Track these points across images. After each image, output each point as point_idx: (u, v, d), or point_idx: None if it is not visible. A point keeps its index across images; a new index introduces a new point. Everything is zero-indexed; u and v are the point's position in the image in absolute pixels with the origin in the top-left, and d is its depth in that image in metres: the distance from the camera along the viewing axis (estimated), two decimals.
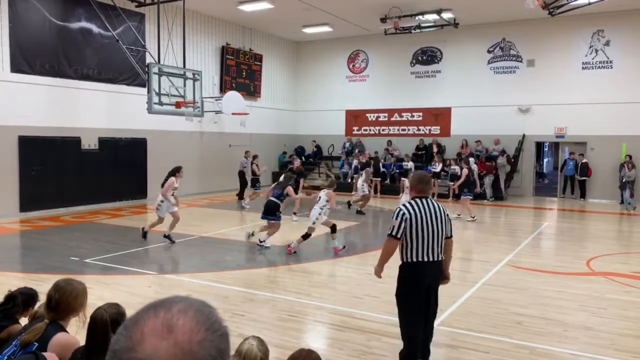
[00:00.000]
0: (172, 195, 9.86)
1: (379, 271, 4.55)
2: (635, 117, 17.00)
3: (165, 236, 9.84)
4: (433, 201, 4.38)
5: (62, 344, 2.73)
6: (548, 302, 6.51)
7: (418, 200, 4.31)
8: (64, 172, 13.81)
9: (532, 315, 6.01)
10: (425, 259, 4.23)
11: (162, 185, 9.98)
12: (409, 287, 4.31)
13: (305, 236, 9.20)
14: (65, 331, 2.87)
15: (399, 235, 4.24)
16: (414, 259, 4.24)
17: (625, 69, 17.22)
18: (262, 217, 9.78)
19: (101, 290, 6.69)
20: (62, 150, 13.77)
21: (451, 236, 4.42)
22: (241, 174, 16.56)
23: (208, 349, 0.80)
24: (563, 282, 7.60)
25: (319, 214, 9.31)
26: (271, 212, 9.63)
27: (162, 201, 9.83)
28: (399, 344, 5.12)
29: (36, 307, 3.42)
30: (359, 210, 14.54)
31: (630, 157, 16.68)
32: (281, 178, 11.40)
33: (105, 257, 8.74)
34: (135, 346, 0.78)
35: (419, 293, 4.29)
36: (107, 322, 2.62)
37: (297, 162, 15.91)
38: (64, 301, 2.86)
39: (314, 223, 9.29)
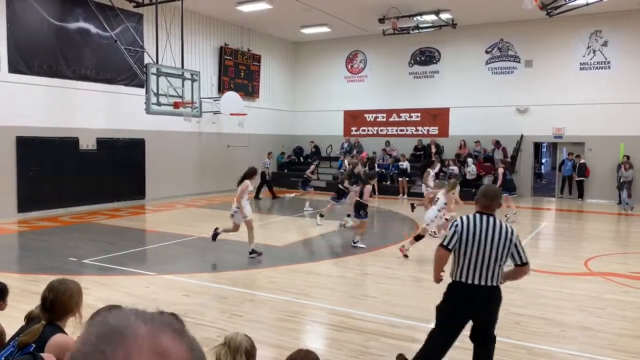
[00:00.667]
0: (247, 199, 8.94)
1: (436, 277, 4.27)
2: (633, 117, 17.03)
3: (250, 253, 8.78)
4: (498, 220, 3.94)
5: (60, 345, 2.72)
6: (546, 302, 6.51)
7: (478, 216, 3.94)
8: (62, 173, 13.80)
9: (531, 315, 6.02)
10: (475, 282, 3.87)
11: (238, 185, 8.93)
12: (448, 307, 4.04)
13: (418, 237, 9.02)
14: (64, 332, 2.86)
15: (449, 247, 3.96)
16: (460, 279, 3.93)
17: (623, 69, 17.25)
18: (354, 217, 10.01)
19: (99, 291, 6.68)
20: (60, 151, 13.75)
21: (524, 263, 3.92)
22: (263, 175, 17.37)
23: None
24: (561, 282, 7.60)
25: (435, 216, 9.12)
26: (355, 211, 9.86)
27: (238, 207, 8.79)
28: (397, 344, 5.13)
29: (33, 307, 3.41)
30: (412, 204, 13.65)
31: (628, 157, 16.71)
32: (347, 171, 12.37)
33: (103, 257, 8.73)
34: None
35: (457, 317, 4.01)
36: None
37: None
38: (59, 301, 2.85)
39: (428, 225, 9.15)
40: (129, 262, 8.41)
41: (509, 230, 3.89)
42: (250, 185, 8.89)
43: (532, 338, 5.31)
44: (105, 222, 12.56)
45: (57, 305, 2.85)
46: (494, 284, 3.90)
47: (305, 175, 16.20)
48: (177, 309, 3.91)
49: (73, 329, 2.98)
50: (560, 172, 18.96)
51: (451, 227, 4.02)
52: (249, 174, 8.98)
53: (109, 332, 0.68)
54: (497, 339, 5.25)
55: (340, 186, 12.51)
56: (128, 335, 0.67)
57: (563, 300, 6.70)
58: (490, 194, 4.05)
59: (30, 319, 3.08)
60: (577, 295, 6.88)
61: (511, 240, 3.86)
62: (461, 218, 3.97)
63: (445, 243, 4.00)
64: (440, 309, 4.10)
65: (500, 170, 13.41)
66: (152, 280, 7.41)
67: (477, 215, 3.95)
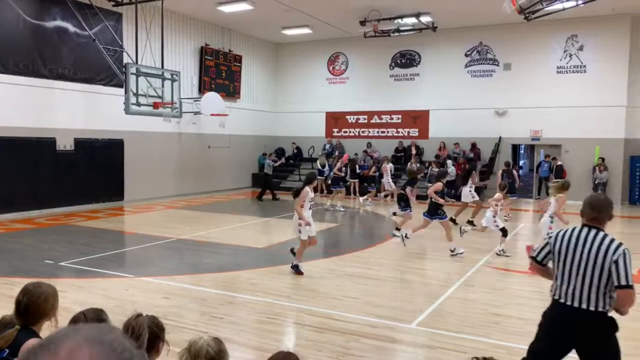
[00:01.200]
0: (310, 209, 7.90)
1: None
2: (607, 120, 17.40)
3: (292, 267, 7.86)
4: (603, 235, 3.41)
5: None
6: (524, 302, 6.60)
7: (578, 229, 3.51)
8: (38, 174, 13.54)
9: (509, 315, 6.09)
10: (566, 302, 3.45)
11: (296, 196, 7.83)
12: (543, 323, 3.66)
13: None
14: (38, 337, 2.80)
15: (538, 258, 3.69)
16: (554, 296, 3.57)
17: (598, 73, 17.61)
18: (429, 218, 9.63)
19: (76, 294, 6.57)
20: (36, 151, 13.50)
21: (622, 286, 3.26)
22: (267, 176, 17.85)
23: None
24: (538, 282, 7.70)
25: (551, 222, 8.82)
26: (433, 212, 9.53)
27: (300, 220, 7.72)
28: (378, 345, 5.15)
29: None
30: (470, 220, 12.57)
31: (603, 159, 17.04)
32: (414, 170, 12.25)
33: (80, 260, 8.59)
34: None
35: (550, 337, 3.57)
36: None
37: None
38: (34, 305, 2.79)
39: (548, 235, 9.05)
40: (107, 265, 8.28)
41: (613, 246, 3.30)
42: (310, 192, 7.76)
43: (511, 338, 5.37)
44: (83, 224, 12.36)
45: (31, 309, 2.79)
46: (596, 308, 3.35)
47: (334, 174, 16.36)
48: (156, 311, 3.87)
49: (48, 333, 2.92)
50: (537, 173, 19.26)
51: (547, 238, 3.77)
52: (310, 180, 7.90)
53: (38, 344, 0.69)
54: (477, 339, 5.32)
55: (402, 192, 11.69)
56: (48, 349, 0.67)
57: (540, 300, 6.78)
58: (598, 205, 3.55)
59: (4, 324, 3.01)
60: None
61: (611, 257, 3.27)
62: (561, 230, 3.63)
63: (534, 254, 3.77)
64: (539, 324, 3.71)
65: (514, 172, 13.48)
66: (130, 283, 7.32)
67: (578, 228, 3.51)
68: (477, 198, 13.12)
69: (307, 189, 7.71)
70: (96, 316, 2.66)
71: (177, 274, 7.94)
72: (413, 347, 5.22)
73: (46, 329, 2.91)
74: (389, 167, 16.85)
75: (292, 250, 8.11)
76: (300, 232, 7.76)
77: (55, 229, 11.71)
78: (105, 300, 6.26)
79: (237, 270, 8.25)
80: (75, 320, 2.62)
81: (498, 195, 9.96)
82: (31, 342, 2.70)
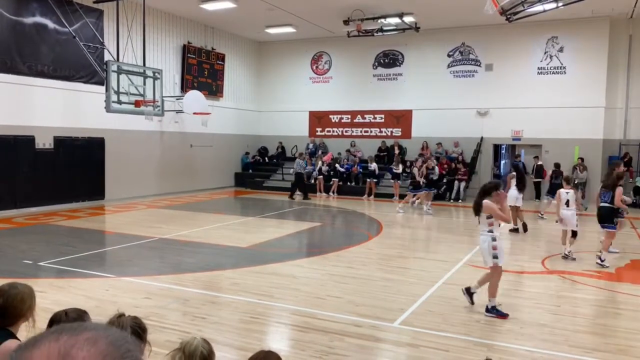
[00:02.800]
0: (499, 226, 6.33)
1: None
2: (586, 121, 17.70)
3: (490, 310, 6.04)
4: None
5: (10, 352, 2.61)
6: (505, 300, 6.67)
7: None
8: (16, 173, 13.31)
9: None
10: None
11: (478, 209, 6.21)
12: None
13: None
14: (16, 338, 2.75)
15: None
16: None
17: (578, 74, 17.89)
18: (602, 227, 9.02)
19: (55, 294, 6.47)
20: (14, 150, 13.26)
21: None
22: (299, 176, 18.17)
23: None
24: (519, 280, 7.82)
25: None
26: (607, 219, 8.86)
27: (493, 240, 6.10)
28: (362, 344, 5.16)
29: None
30: (525, 224, 12.14)
31: (582, 159, 17.32)
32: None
33: (60, 260, 8.46)
34: None
35: None
36: None
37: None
38: (10, 306, 2.73)
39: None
40: (87, 265, 8.17)
41: None
42: (495, 205, 6.10)
43: (492, 335, 5.43)
44: (63, 223, 12.17)
45: (8, 310, 2.74)
46: None
47: (413, 180, 15.30)
48: (138, 311, 3.83)
49: (27, 334, 2.87)
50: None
51: None
52: (488, 190, 6.22)
53: (30, 340, 0.71)
54: (458, 337, 5.37)
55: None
56: (40, 344, 0.69)
57: (521, 298, 6.89)
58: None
59: None
60: (534, 293, 7.08)
61: None
62: None
63: None
64: None
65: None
66: (111, 283, 7.23)
67: None
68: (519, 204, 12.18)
69: (487, 202, 6.11)
70: (78, 316, 2.62)
71: (159, 273, 7.87)
72: (396, 345, 5.25)
73: (23, 330, 2.86)
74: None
75: (468, 291, 6.36)
76: (496, 257, 6.10)
77: (34, 228, 11.51)
78: (85, 301, 6.17)
79: (219, 269, 8.20)
80: (56, 318, 2.58)
81: (572, 192, 9.21)
82: (9, 343, 2.65)
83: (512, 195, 11.91)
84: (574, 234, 9.26)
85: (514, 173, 12.87)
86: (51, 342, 0.69)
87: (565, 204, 9.13)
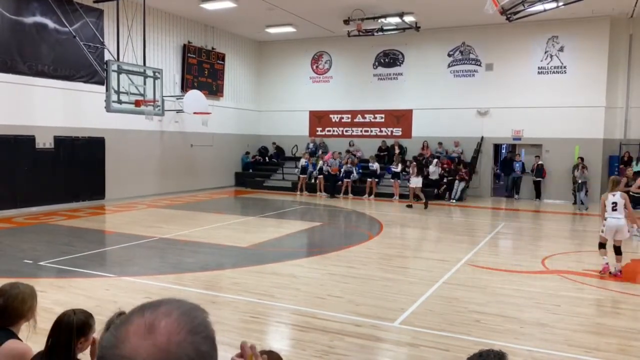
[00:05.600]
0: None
1: None
2: (586, 120, 17.70)
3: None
4: None
5: (12, 352, 2.62)
6: (505, 300, 6.68)
7: None
8: (16, 172, 13.31)
9: (490, 313, 6.16)
10: None
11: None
12: None
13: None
14: (17, 337, 2.75)
15: None
16: None
17: (578, 74, 17.88)
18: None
19: (56, 294, 6.48)
20: (14, 149, 13.26)
21: None
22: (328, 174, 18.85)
23: (186, 349, 0.84)
24: (519, 280, 7.82)
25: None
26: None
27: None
28: (362, 344, 5.17)
29: None
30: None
31: (582, 159, 17.33)
32: None
33: (60, 259, 8.46)
34: (119, 344, 0.84)
35: None
36: (73, 326, 2.53)
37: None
38: (11, 306, 2.73)
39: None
40: (87, 264, 8.18)
41: None
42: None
43: (491, 335, 5.44)
44: (63, 223, 12.18)
45: (9, 310, 2.74)
46: None
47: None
48: None
49: (27, 334, 2.87)
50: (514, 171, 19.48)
51: None
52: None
53: (122, 318, 0.89)
54: (458, 336, 5.37)
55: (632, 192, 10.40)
56: (130, 321, 0.87)
57: (521, 297, 6.89)
58: None
59: None
60: (534, 293, 7.08)
61: None
62: None
63: None
64: None
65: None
66: (112, 283, 7.23)
67: None
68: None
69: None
70: (85, 317, 2.63)
71: (159, 273, 7.88)
72: (396, 345, 5.25)
73: (25, 330, 2.87)
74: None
75: None
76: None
77: (34, 228, 11.52)
78: (86, 300, 6.18)
79: (219, 269, 8.21)
80: (61, 319, 2.58)
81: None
82: (10, 343, 2.65)
83: (414, 180, 16.03)
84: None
85: (415, 163, 16.63)
86: (138, 318, 0.87)
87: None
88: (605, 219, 7.98)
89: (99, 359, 0.86)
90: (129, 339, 0.84)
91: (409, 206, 16.06)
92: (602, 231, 8.07)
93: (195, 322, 0.88)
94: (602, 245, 8.14)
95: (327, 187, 18.99)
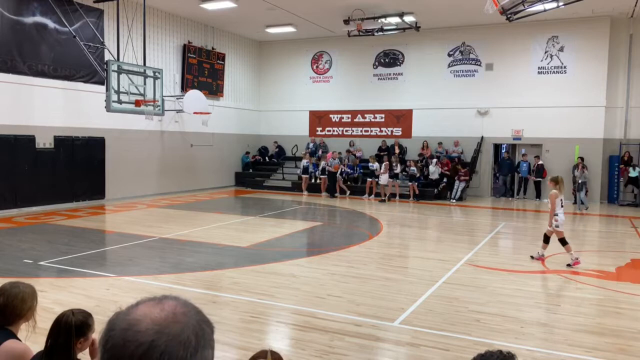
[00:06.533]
0: None
1: None
2: (587, 120, 17.70)
3: None
4: None
5: (11, 352, 2.61)
6: (505, 300, 6.68)
7: None
8: (16, 172, 13.31)
9: (490, 312, 6.16)
10: None
11: None
12: None
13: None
14: (16, 337, 2.75)
15: None
16: None
17: (578, 73, 17.88)
18: None
19: (56, 294, 6.48)
20: (15, 149, 13.26)
21: None
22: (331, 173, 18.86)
23: (191, 320, 0.95)
24: (519, 280, 7.81)
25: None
26: None
27: None
28: (362, 343, 5.16)
29: None
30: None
31: (582, 159, 17.33)
32: None
33: (60, 259, 8.46)
34: (130, 311, 0.95)
35: None
36: (72, 326, 2.53)
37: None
38: (10, 305, 2.72)
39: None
40: (87, 264, 8.18)
41: None
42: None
43: (492, 335, 5.43)
44: (63, 222, 12.18)
45: (8, 309, 2.73)
46: None
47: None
48: None
49: (27, 334, 2.87)
50: (517, 173, 19.47)
51: None
52: None
53: (129, 305, 0.98)
54: (458, 336, 5.37)
55: None
56: (138, 304, 0.97)
57: (521, 297, 6.89)
58: None
59: None
60: (534, 293, 7.08)
61: None
62: None
63: None
64: None
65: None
66: (112, 283, 7.23)
67: None
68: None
69: None
70: (84, 317, 2.62)
71: (159, 273, 7.88)
72: (396, 345, 5.25)
73: (24, 330, 2.86)
74: None
75: None
76: None
77: (34, 227, 11.52)
78: (86, 300, 6.18)
79: (219, 269, 8.20)
80: (60, 318, 2.58)
81: None
82: (9, 343, 2.65)
83: (383, 177, 17.63)
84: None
85: (387, 163, 17.98)
86: (147, 301, 0.97)
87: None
88: (556, 214, 8.73)
89: (108, 330, 0.94)
90: (140, 308, 0.95)
91: (382, 201, 17.60)
92: (557, 226, 8.70)
93: (200, 311, 1.00)
94: (564, 241, 8.62)
95: (328, 187, 18.99)
